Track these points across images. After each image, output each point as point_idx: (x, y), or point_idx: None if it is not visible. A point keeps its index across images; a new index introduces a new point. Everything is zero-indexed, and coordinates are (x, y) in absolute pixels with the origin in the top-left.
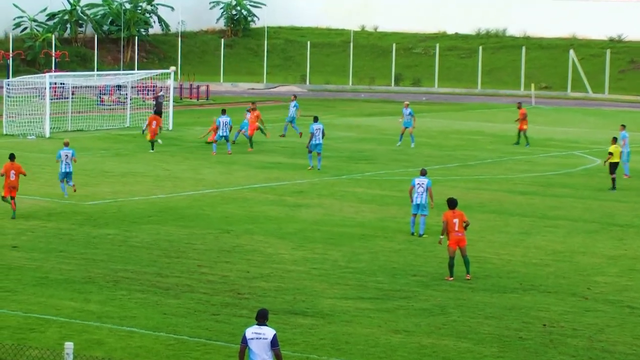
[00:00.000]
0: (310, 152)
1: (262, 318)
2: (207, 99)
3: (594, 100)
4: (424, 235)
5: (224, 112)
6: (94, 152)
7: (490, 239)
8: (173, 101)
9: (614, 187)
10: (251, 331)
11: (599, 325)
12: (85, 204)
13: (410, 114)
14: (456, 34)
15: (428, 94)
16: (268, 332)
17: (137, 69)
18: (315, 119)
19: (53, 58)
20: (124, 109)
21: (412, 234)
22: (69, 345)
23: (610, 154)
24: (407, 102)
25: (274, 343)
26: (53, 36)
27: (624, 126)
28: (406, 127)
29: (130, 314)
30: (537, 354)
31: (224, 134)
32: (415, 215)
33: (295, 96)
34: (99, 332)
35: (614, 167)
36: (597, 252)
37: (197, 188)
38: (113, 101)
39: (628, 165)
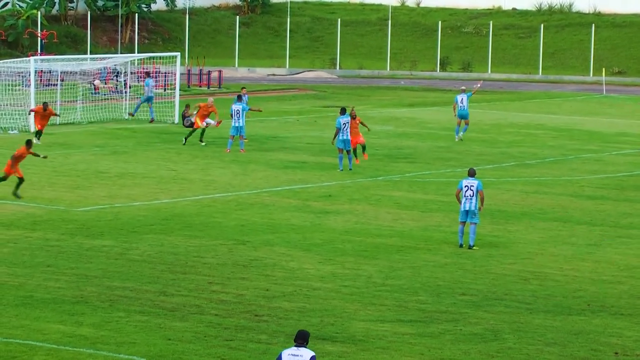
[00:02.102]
0: (340, 150)
1: (301, 339)
2: (219, 87)
3: None
4: (474, 247)
5: (239, 98)
6: (86, 149)
7: (553, 252)
8: (179, 89)
9: None
10: (288, 353)
11: None
12: (76, 210)
13: (468, 97)
14: (513, 9)
15: (480, 81)
16: (306, 354)
17: (138, 52)
18: (343, 111)
19: (39, 39)
20: (122, 98)
21: (461, 245)
22: None
23: None
24: (463, 87)
25: None
26: (39, 13)
27: None
28: (462, 119)
29: (128, 339)
30: None
31: (238, 124)
32: (463, 223)
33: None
34: None
35: None
36: None
37: (208, 192)
38: (109, 89)
39: None
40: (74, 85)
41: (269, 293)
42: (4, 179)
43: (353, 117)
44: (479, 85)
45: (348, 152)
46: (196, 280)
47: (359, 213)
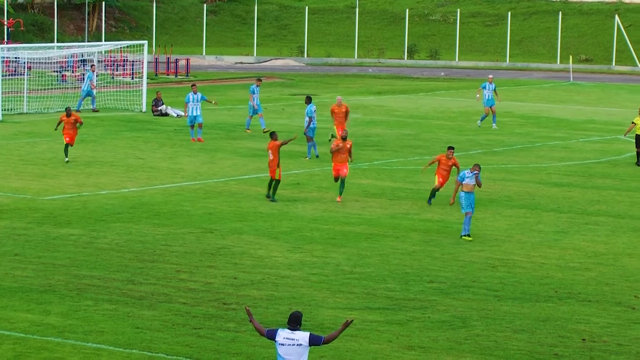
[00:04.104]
0: (309, 139)
1: (294, 322)
2: (186, 75)
3: None
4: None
5: (193, 87)
6: (53, 138)
7: (520, 239)
8: (147, 78)
9: (638, 162)
10: (283, 336)
11: None
12: (43, 199)
13: (494, 89)
14: None
15: (447, 69)
16: (302, 337)
17: (105, 40)
18: (309, 100)
19: (5, 27)
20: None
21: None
22: None
23: (634, 124)
24: (491, 76)
25: (316, 342)
26: (5, 1)
27: None
28: (490, 106)
29: (97, 328)
30: None
31: (196, 114)
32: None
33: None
34: (60, 349)
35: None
36: None
37: (176, 180)
38: (76, 78)
39: None
40: (41, 74)
41: (237, 281)
42: None
43: (344, 139)
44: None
45: (307, 139)
46: (164, 269)
47: (327, 201)
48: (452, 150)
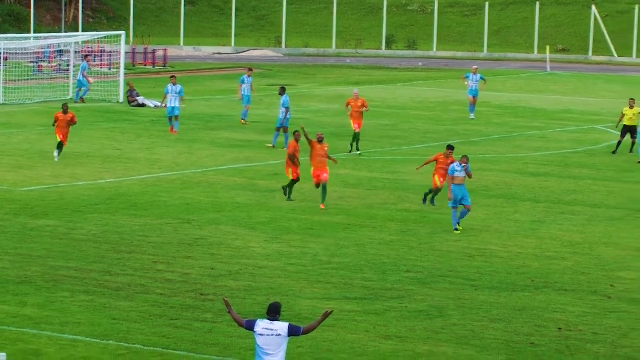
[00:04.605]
0: (278, 129)
1: (274, 312)
2: (164, 66)
3: (619, 65)
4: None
5: (173, 79)
6: (30, 128)
7: (497, 229)
8: (124, 68)
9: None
10: (262, 326)
11: (624, 328)
12: (20, 190)
13: (482, 78)
14: None
15: (425, 59)
16: (281, 327)
17: (82, 31)
18: (283, 91)
19: None
20: (66, 77)
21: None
22: (1, 357)
23: (623, 114)
24: (475, 67)
25: (295, 332)
26: None
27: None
28: (474, 97)
29: (73, 319)
30: None
31: (174, 105)
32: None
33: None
34: (36, 341)
35: (626, 130)
36: (621, 243)
37: (153, 171)
38: (53, 69)
39: None
40: (17, 65)
41: (215, 272)
42: None
43: (320, 141)
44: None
45: (284, 129)
46: (141, 260)
47: (304, 191)
48: (451, 151)
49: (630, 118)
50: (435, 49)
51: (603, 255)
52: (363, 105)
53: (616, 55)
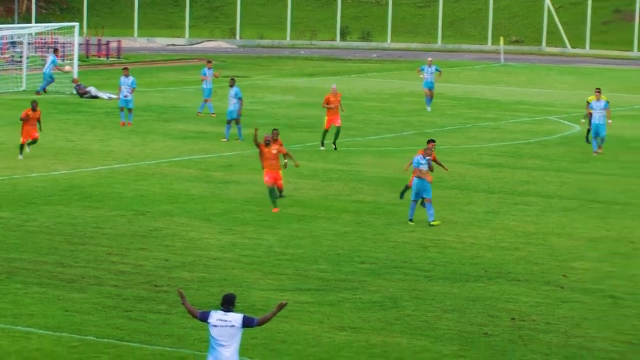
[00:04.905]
0: (229, 122)
1: (228, 304)
2: (118, 57)
3: (572, 57)
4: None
5: (125, 71)
6: None
7: (451, 219)
8: (78, 60)
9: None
10: (216, 317)
11: (576, 318)
12: None
13: (437, 70)
14: None
15: (379, 50)
16: (235, 318)
17: (35, 22)
18: (232, 82)
19: None
20: (19, 69)
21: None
22: None
23: (588, 102)
24: (430, 59)
25: (249, 323)
26: None
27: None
28: (430, 89)
29: (26, 311)
30: (505, 352)
31: (126, 97)
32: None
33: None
34: None
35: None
36: (574, 233)
37: (107, 162)
38: (6, 60)
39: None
40: None
41: (169, 263)
42: None
43: (267, 144)
44: (374, 55)
45: (237, 121)
46: (95, 252)
47: (259, 183)
48: (433, 144)
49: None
50: (389, 41)
51: (556, 245)
52: (340, 102)
53: (569, 47)
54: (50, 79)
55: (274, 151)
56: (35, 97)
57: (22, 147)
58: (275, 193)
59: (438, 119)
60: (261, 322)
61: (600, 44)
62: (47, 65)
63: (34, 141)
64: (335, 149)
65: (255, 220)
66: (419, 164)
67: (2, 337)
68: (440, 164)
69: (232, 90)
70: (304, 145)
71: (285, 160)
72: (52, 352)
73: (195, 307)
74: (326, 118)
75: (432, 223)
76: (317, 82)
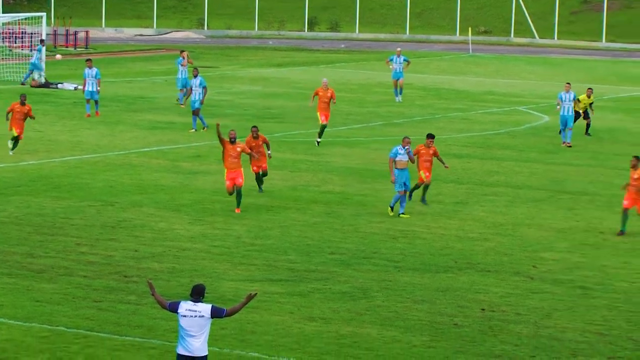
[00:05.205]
0: (194, 112)
1: (197, 294)
2: (86, 47)
3: (541, 47)
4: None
5: (89, 62)
6: None
7: (420, 210)
8: (45, 50)
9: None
10: (185, 307)
11: (546, 309)
12: None
13: (405, 60)
14: None
15: (348, 41)
16: (204, 308)
17: (2, 12)
18: (196, 72)
19: None
20: None
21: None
22: None
23: (578, 100)
24: (399, 49)
25: (218, 314)
26: None
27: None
28: (399, 79)
29: None
30: (475, 343)
31: (91, 89)
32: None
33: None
34: None
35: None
36: (544, 224)
37: (75, 153)
38: None
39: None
40: None
41: (138, 254)
42: None
43: (232, 141)
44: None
45: (196, 112)
46: (64, 242)
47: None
48: (432, 140)
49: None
50: (357, 31)
51: (525, 236)
52: (332, 97)
53: (537, 37)
54: (36, 69)
55: (238, 149)
56: (23, 89)
57: (15, 138)
58: (239, 195)
59: (407, 110)
60: (230, 313)
61: (569, 35)
62: (35, 56)
63: (17, 138)
64: (318, 145)
65: (225, 211)
66: (396, 154)
67: None
68: (441, 160)
69: (197, 80)
70: (272, 136)
71: (269, 152)
72: (22, 343)
73: (164, 298)
74: (318, 113)
75: (402, 215)
76: (286, 72)
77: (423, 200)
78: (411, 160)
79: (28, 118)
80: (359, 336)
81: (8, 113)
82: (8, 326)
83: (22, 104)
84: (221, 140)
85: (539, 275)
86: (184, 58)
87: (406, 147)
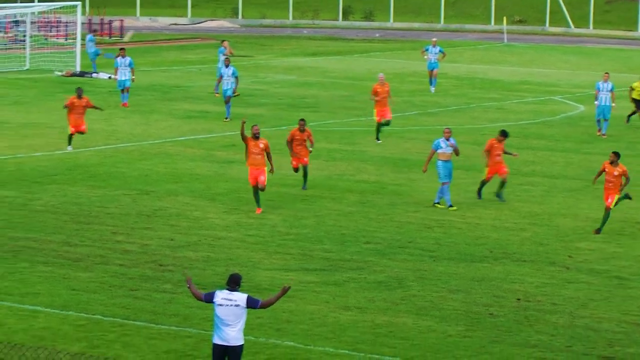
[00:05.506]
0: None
1: (233, 283)
2: (120, 37)
3: (576, 37)
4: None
5: (122, 51)
6: None
7: (456, 200)
8: (80, 39)
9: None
10: (221, 296)
11: (582, 299)
12: None
13: (440, 51)
14: None
15: (382, 30)
16: (240, 297)
17: (38, 1)
18: (228, 62)
19: None
20: (22, 48)
21: (437, 203)
22: None
23: (632, 88)
24: (434, 39)
25: (253, 304)
26: None
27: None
28: (434, 69)
29: (33, 290)
30: (510, 333)
31: (124, 78)
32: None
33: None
34: None
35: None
36: (580, 214)
37: (110, 142)
38: (9, 39)
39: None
40: None
41: (174, 243)
42: None
43: (256, 137)
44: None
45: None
46: (100, 231)
47: None
48: (504, 137)
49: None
50: (392, 20)
51: (561, 226)
52: (389, 92)
53: (573, 27)
54: (95, 56)
55: (261, 145)
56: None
57: (70, 137)
58: (258, 193)
59: (441, 99)
60: (264, 305)
61: (604, 24)
62: (90, 45)
63: (81, 134)
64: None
65: (260, 200)
66: (438, 146)
67: (9, 316)
68: (508, 153)
69: (229, 70)
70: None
71: (311, 148)
72: (59, 331)
73: (199, 290)
74: (375, 110)
75: (450, 208)
76: (320, 61)
77: (499, 196)
78: (456, 152)
79: (89, 110)
80: (394, 326)
81: (66, 107)
82: (45, 314)
83: (79, 97)
84: (244, 138)
85: (575, 265)
86: (225, 48)
87: (450, 140)
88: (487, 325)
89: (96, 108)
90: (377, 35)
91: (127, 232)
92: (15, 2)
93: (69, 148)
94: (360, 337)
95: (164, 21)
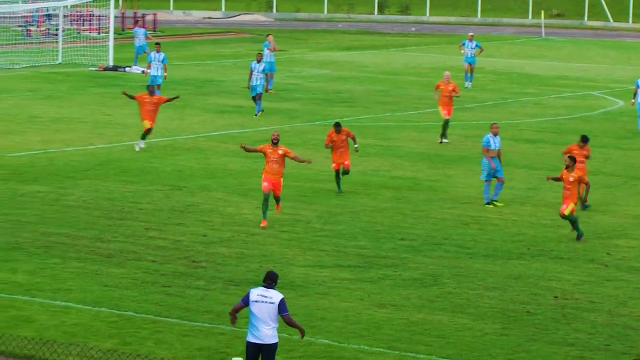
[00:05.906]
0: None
1: (270, 280)
2: (154, 30)
3: (615, 31)
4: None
5: (157, 46)
6: (19, 93)
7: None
8: (113, 33)
9: None
10: (257, 293)
11: (621, 297)
12: (9, 155)
13: (477, 46)
14: None
15: (418, 24)
16: (275, 295)
17: None
18: (261, 57)
19: None
20: (55, 42)
21: (488, 203)
22: None
23: None
24: (471, 34)
25: (282, 308)
26: None
27: None
28: (471, 64)
29: (64, 285)
30: (548, 331)
31: (156, 73)
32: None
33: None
34: (27, 307)
35: None
36: (619, 210)
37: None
38: (42, 33)
39: None
40: (5, 29)
41: (207, 239)
42: None
43: (275, 144)
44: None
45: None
46: (132, 226)
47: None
48: (585, 143)
49: None
50: (428, 14)
51: (599, 223)
52: (454, 90)
53: (612, 21)
54: (141, 51)
55: (280, 152)
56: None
57: (144, 132)
58: (268, 203)
59: (478, 94)
60: (289, 319)
61: None
62: (141, 39)
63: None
64: (441, 142)
65: (293, 196)
66: (488, 142)
67: (41, 312)
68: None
69: (259, 65)
70: (341, 120)
71: (356, 145)
72: (91, 327)
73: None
74: (440, 108)
75: (496, 203)
76: (355, 55)
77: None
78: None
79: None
80: (429, 323)
81: (132, 98)
82: (77, 310)
83: (151, 94)
84: (259, 151)
85: (614, 262)
86: (270, 42)
87: (497, 136)
88: (523, 323)
89: (174, 98)
90: (413, 29)
91: (160, 228)
92: None
93: (142, 144)
94: (395, 334)
95: (197, 15)
